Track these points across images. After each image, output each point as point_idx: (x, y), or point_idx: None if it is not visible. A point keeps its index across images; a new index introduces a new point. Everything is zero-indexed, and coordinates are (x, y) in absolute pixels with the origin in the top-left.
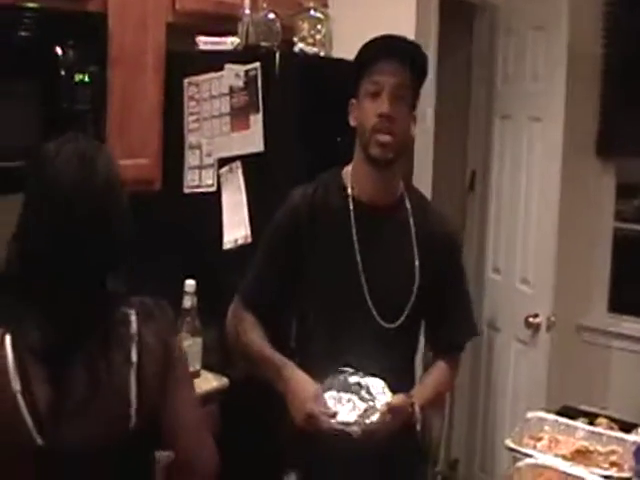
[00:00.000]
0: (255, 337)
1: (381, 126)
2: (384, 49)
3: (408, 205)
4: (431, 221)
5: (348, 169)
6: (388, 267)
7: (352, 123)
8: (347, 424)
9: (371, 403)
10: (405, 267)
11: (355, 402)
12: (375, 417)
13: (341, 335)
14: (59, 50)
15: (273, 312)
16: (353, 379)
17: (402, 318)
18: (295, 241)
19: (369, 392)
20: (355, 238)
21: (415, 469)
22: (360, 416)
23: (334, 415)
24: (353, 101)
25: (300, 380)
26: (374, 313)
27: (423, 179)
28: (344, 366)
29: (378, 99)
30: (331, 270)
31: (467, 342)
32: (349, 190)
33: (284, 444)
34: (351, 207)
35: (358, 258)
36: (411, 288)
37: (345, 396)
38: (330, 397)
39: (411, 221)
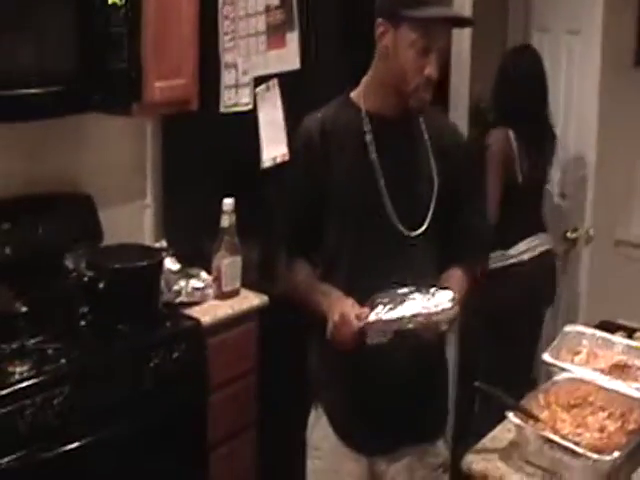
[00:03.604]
0: (302, 278)
1: (427, 87)
2: (441, 16)
3: (420, 116)
4: (444, 130)
5: (358, 91)
6: (407, 176)
7: (382, 50)
8: (408, 317)
9: (431, 295)
10: (423, 174)
11: (412, 300)
12: (442, 307)
13: (366, 247)
14: None
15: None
16: (402, 290)
17: (425, 225)
18: (315, 166)
19: (425, 291)
20: (372, 149)
21: (437, 389)
22: (424, 307)
23: (367, 316)
24: (380, 21)
25: (341, 295)
26: (396, 222)
27: (460, 100)
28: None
29: (425, 57)
30: (351, 184)
31: (483, 257)
32: (362, 105)
33: (310, 376)
34: (365, 121)
35: (377, 169)
36: (430, 194)
37: (399, 299)
38: (382, 304)
39: (425, 130)
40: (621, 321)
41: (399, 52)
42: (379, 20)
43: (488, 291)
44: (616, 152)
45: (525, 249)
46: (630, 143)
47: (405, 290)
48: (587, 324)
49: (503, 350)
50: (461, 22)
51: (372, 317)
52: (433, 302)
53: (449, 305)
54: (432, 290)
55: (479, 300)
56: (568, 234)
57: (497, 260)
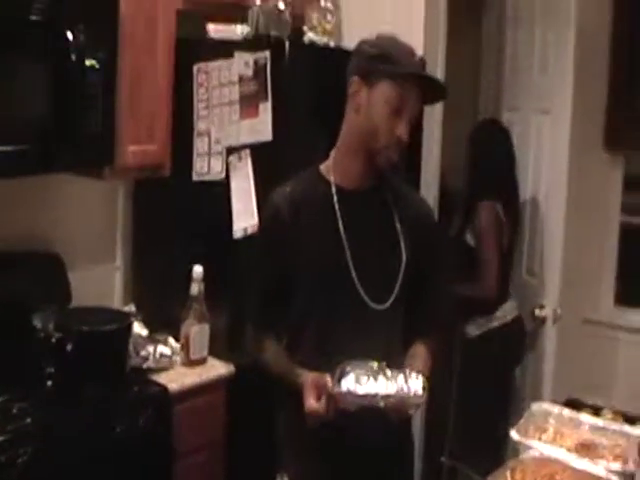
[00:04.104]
0: (271, 355)
1: (396, 147)
2: (419, 73)
3: (387, 187)
4: (413, 204)
5: (327, 164)
6: (375, 250)
7: (354, 108)
8: (381, 396)
9: (404, 378)
10: (391, 248)
11: (386, 380)
12: (414, 392)
13: (333, 318)
14: (70, 35)
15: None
16: (373, 364)
17: (391, 299)
18: (282, 240)
19: (398, 372)
20: (340, 223)
21: (404, 463)
22: (398, 390)
23: (333, 386)
24: (355, 79)
25: (309, 374)
26: (363, 295)
27: (430, 173)
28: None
29: (398, 117)
30: (318, 257)
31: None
32: (331, 179)
33: (277, 445)
34: (334, 193)
35: (345, 243)
36: (398, 268)
37: (371, 374)
38: (353, 373)
39: (393, 204)
40: (588, 399)
41: (373, 109)
42: (354, 78)
43: (476, 354)
44: (584, 232)
45: (509, 310)
46: (599, 223)
47: (376, 365)
48: (554, 401)
49: (472, 422)
50: (435, 94)
51: (344, 387)
52: (407, 386)
53: (421, 393)
54: (406, 372)
55: (461, 365)
56: (536, 311)
57: (489, 322)
